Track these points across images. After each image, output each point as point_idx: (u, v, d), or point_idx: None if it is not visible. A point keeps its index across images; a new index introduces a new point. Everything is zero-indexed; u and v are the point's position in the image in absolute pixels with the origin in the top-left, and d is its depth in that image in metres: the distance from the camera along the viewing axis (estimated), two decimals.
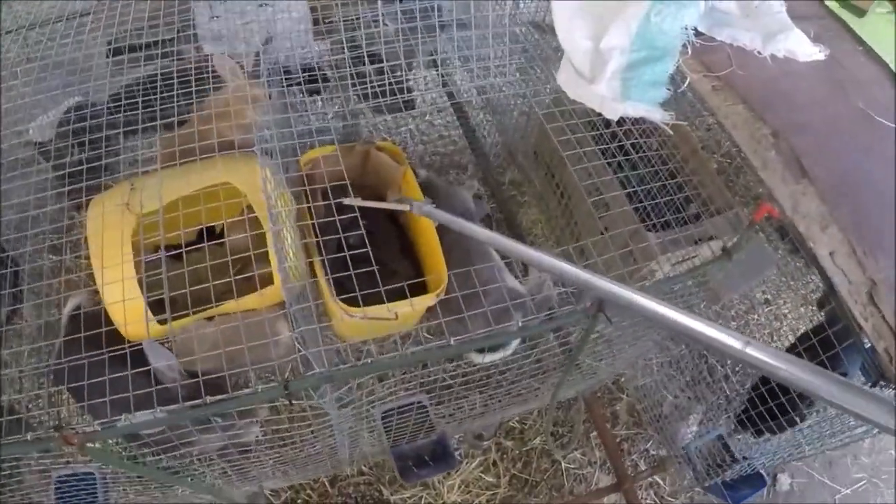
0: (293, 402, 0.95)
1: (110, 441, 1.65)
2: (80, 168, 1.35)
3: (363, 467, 1.79)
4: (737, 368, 2.03)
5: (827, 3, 1.65)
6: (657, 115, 1.24)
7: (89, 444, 1.00)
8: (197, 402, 0.97)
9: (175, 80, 1.44)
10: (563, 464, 1.87)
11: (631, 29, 1.23)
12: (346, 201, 1.15)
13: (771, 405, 1.51)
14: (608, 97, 1.22)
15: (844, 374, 1.48)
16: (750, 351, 0.80)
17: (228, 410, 0.97)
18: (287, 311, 1.26)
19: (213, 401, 0.97)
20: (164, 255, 1.36)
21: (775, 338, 2.16)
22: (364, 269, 1.50)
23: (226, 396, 0.96)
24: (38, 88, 1.45)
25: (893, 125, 1.41)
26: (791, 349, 1.55)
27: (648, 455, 1.92)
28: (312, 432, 1.19)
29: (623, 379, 1.98)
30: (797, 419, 1.53)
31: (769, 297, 2.15)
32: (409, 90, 1.60)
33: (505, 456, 1.86)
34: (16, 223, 1.37)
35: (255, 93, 1.48)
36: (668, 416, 1.85)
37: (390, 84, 1.49)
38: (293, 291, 1.22)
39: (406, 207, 0.97)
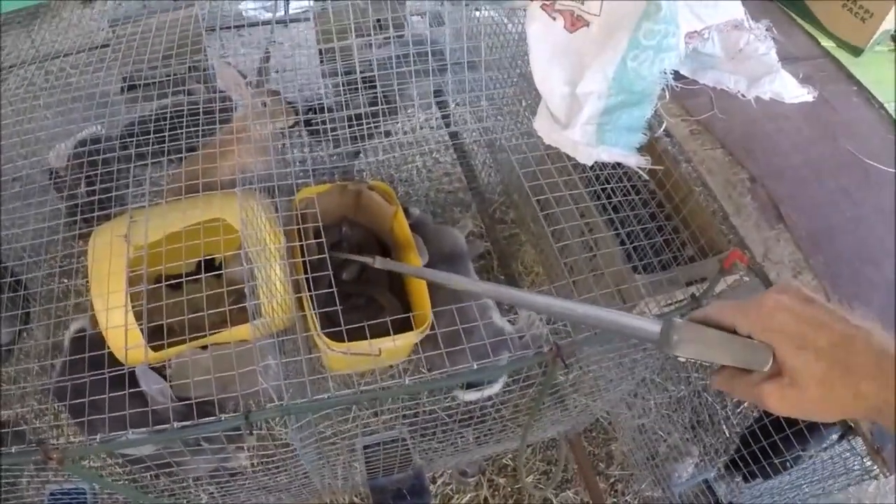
0: (252, 431, 0.99)
1: (109, 460, 1.72)
2: (90, 199, 1.42)
3: (354, 498, 1.81)
4: (737, 410, 1.99)
5: (822, 42, 1.64)
6: (632, 160, 1.25)
7: (68, 461, 1.04)
8: (164, 426, 1.01)
9: (185, 116, 1.51)
10: (554, 503, 1.85)
11: (607, 73, 1.22)
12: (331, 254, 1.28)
13: (764, 444, 1.48)
14: (581, 142, 1.23)
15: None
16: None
17: (193, 436, 1.02)
18: (273, 342, 1.32)
19: (180, 426, 1.01)
20: (164, 284, 1.44)
21: None
22: (352, 304, 1.54)
23: (189, 423, 1.00)
24: (60, 116, 1.54)
25: (885, 167, 1.39)
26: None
27: (643, 496, 1.89)
28: (283, 460, 1.22)
29: (621, 418, 1.96)
30: (789, 463, 1.50)
31: None
32: (388, 133, 1.65)
33: (496, 493, 1.85)
34: (30, 247, 1.45)
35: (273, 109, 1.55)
36: (663, 457, 1.82)
37: (377, 127, 1.54)
38: (269, 326, 1.26)
39: (370, 261, 1.08)
